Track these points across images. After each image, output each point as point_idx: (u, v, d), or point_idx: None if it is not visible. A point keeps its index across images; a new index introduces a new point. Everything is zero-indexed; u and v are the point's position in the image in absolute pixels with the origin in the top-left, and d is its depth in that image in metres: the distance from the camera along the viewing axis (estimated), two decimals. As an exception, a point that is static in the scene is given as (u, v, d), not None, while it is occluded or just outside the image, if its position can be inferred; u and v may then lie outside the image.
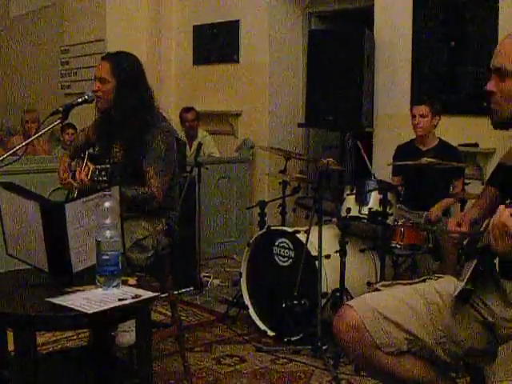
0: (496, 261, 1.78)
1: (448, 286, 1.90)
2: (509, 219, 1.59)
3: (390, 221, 3.59)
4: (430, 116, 4.12)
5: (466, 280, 1.78)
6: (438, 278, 2.00)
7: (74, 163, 2.98)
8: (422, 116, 4.11)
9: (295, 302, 3.41)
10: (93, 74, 3.03)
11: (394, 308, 1.89)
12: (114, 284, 2.07)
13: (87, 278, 2.13)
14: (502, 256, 1.69)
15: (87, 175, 2.67)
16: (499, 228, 1.61)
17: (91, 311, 1.91)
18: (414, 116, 4.16)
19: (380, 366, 1.89)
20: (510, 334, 1.79)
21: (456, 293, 1.81)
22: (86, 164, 2.75)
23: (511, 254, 1.66)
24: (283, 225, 4.07)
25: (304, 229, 3.59)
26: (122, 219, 2.32)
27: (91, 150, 3.08)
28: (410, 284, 2.00)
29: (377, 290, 2.03)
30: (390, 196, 3.60)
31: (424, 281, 2.00)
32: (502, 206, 1.64)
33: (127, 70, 2.91)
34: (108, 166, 2.65)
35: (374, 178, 3.91)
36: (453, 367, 1.98)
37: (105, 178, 2.61)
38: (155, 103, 3.00)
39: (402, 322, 1.87)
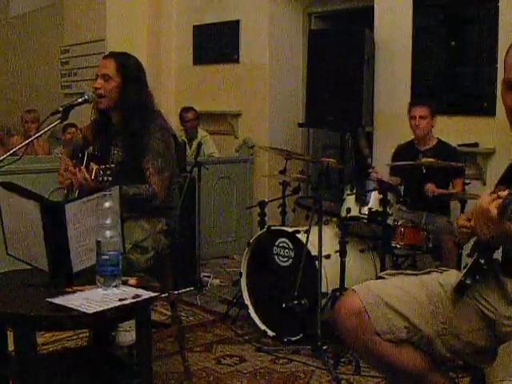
0: (498, 256, 1.78)
1: (452, 279, 1.91)
2: (489, 204, 1.60)
3: (389, 221, 3.60)
4: (429, 117, 4.13)
5: (464, 272, 1.79)
6: (443, 270, 2.01)
7: (73, 162, 2.97)
8: (421, 117, 4.12)
9: (295, 302, 3.41)
10: (93, 74, 3.02)
11: (396, 296, 1.90)
12: (114, 284, 2.07)
13: (87, 278, 2.14)
14: (486, 242, 1.69)
15: (91, 175, 2.65)
16: (481, 214, 1.62)
17: (91, 311, 1.92)
18: (413, 117, 4.16)
19: (377, 352, 1.89)
20: (510, 333, 1.79)
21: (454, 285, 1.82)
22: (89, 164, 2.74)
23: (495, 240, 1.67)
24: (283, 225, 4.07)
25: (304, 229, 3.58)
26: (122, 220, 2.32)
27: (90, 151, 3.08)
28: (415, 275, 2.00)
29: (381, 278, 2.03)
30: (389, 196, 3.60)
31: (429, 273, 2.01)
32: (484, 193, 1.64)
33: (132, 69, 2.89)
34: (113, 165, 2.63)
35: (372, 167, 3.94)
36: (450, 363, 1.98)
37: (110, 178, 2.59)
38: (154, 105, 2.99)
39: (404, 311, 1.88)
